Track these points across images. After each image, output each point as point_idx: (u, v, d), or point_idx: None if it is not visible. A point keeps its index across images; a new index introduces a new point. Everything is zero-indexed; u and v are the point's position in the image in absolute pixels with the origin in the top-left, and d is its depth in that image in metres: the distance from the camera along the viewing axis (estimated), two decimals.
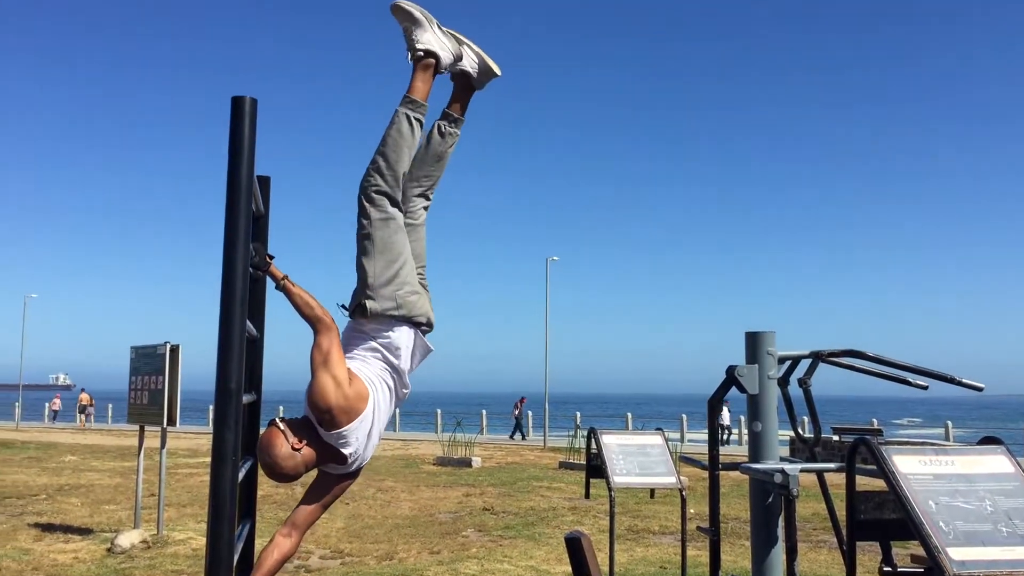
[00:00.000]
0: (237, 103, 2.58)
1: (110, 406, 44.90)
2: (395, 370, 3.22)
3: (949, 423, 29.12)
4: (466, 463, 20.41)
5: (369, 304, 3.16)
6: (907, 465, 3.33)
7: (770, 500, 4.08)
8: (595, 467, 6.74)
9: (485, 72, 3.46)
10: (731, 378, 4.17)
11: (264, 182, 3.61)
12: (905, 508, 3.15)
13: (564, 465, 20.17)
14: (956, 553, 2.99)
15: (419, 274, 3.34)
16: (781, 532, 4.17)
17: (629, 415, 35.41)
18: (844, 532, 3.87)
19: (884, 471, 3.31)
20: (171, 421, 9.81)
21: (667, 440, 6.87)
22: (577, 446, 21.73)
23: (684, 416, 32.24)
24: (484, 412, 36.82)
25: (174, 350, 9.91)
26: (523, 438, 33.70)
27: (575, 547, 4.84)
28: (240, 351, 2.50)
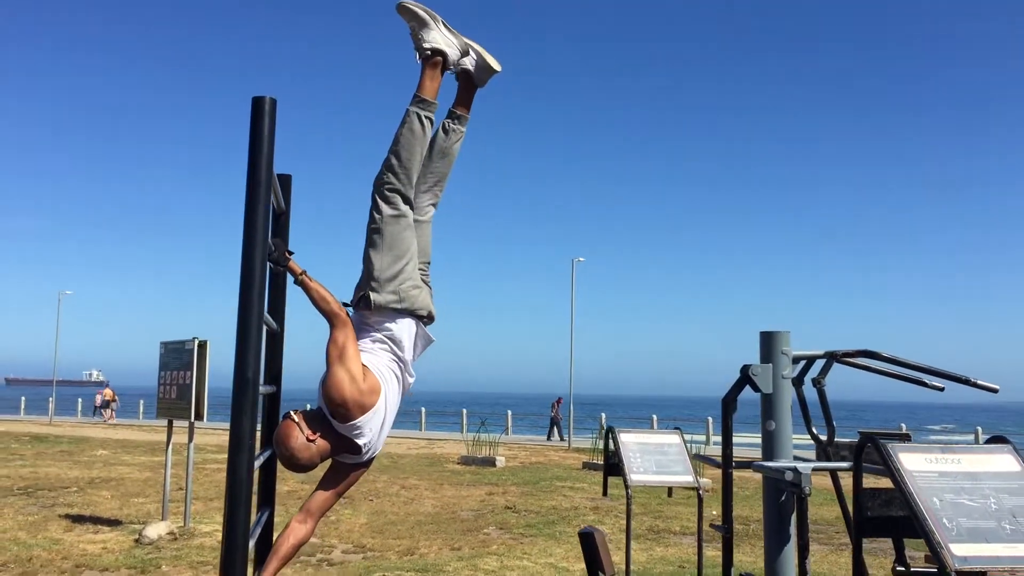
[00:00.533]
0: (257, 103, 2.69)
1: (142, 401, 45.47)
2: (401, 360, 3.33)
3: (979, 428, 28.81)
4: (490, 462, 20.49)
5: (373, 296, 3.27)
6: (913, 463, 3.39)
7: (783, 499, 4.14)
8: (613, 465, 6.80)
9: (485, 68, 3.55)
10: (745, 377, 4.22)
11: (285, 180, 3.72)
12: (910, 505, 3.21)
13: (588, 466, 20.21)
14: (959, 549, 3.04)
15: (422, 270, 3.44)
16: (794, 530, 4.23)
17: (654, 417, 35.33)
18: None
19: (890, 468, 3.37)
20: (198, 416, 9.99)
21: (685, 440, 6.92)
22: (601, 447, 21.76)
23: (710, 419, 32.12)
24: (509, 413, 36.89)
25: (202, 346, 10.09)
26: (549, 438, 33.61)
27: (588, 541, 4.93)
28: (257, 341, 2.60)
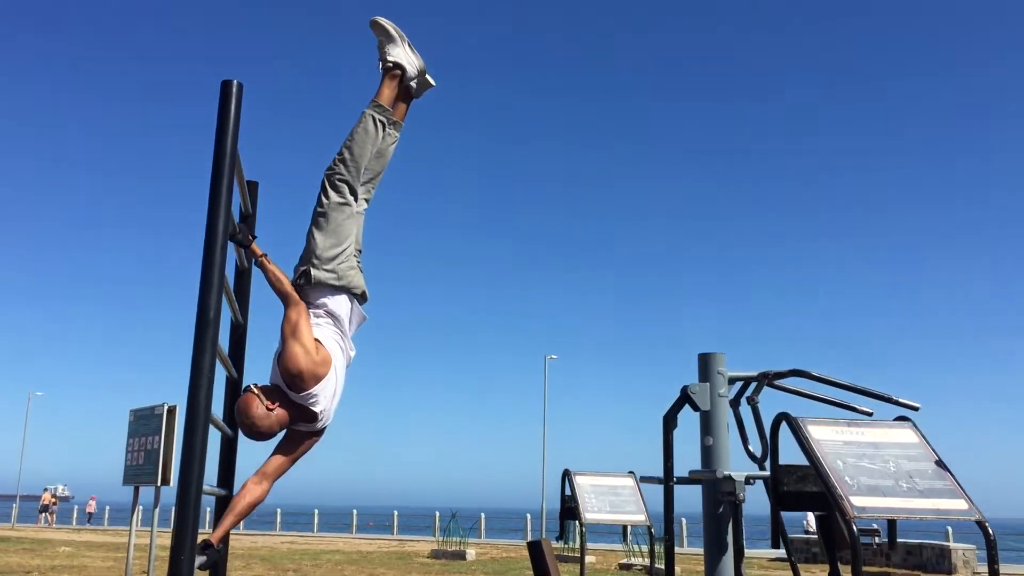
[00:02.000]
0: (225, 86, 3.09)
1: (108, 508, 44.67)
2: (341, 332, 3.65)
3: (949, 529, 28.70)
4: (460, 556, 20.31)
5: (314, 272, 3.61)
6: (821, 433, 3.75)
7: (720, 510, 4.46)
8: (570, 509, 7.02)
9: (424, 85, 3.99)
10: (685, 396, 4.56)
11: (252, 186, 4.10)
12: (815, 465, 3.56)
13: (561, 558, 20.06)
14: (858, 501, 3.39)
15: (355, 255, 3.78)
16: (731, 537, 4.51)
17: None
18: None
19: (799, 437, 3.73)
20: (165, 480, 10.04)
21: (638, 482, 7.16)
22: (571, 544, 21.60)
23: (683, 520, 31.89)
24: (483, 515, 36.44)
25: (171, 411, 10.22)
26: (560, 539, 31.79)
27: (536, 550, 5.13)
28: (219, 286, 2.92)
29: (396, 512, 37.63)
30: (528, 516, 35.31)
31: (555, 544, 30.29)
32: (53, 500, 44.60)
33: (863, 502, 3.39)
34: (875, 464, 3.59)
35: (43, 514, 43.62)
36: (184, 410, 2.89)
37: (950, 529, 24.01)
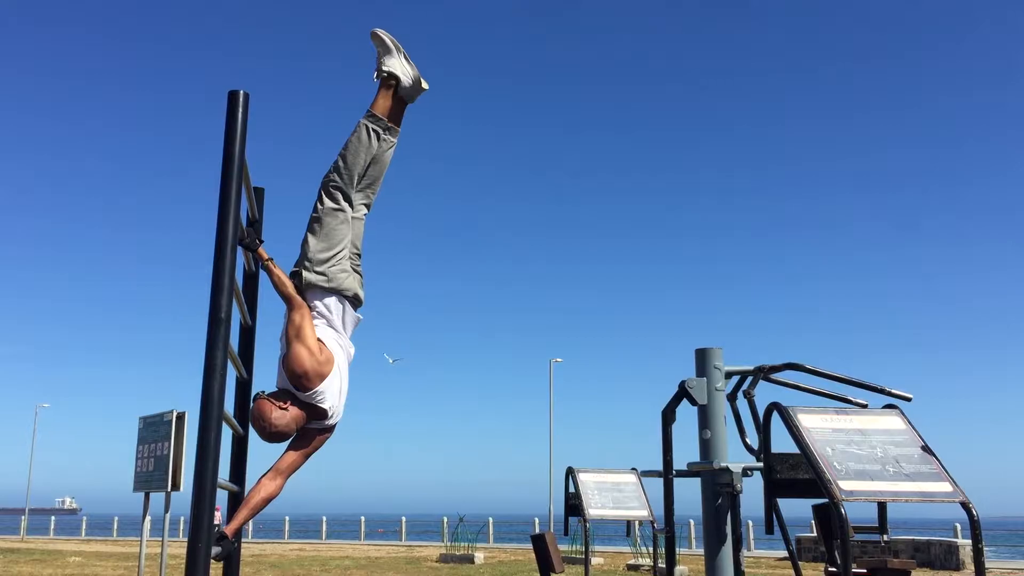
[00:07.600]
0: (232, 96, 3.23)
1: (116, 518, 44.79)
2: (338, 333, 3.79)
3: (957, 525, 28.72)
4: (468, 559, 20.41)
5: (305, 274, 3.77)
6: (810, 421, 3.89)
7: (719, 501, 4.59)
8: (574, 506, 7.14)
9: (417, 90, 4.08)
10: (683, 390, 4.68)
11: (259, 192, 4.24)
12: (805, 452, 3.69)
13: (568, 559, 20.15)
14: (846, 485, 3.53)
15: (352, 259, 3.92)
16: (730, 527, 4.64)
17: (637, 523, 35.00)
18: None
19: (789, 425, 3.86)
20: (175, 486, 10.17)
21: (640, 478, 7.28)
22: (578, 547, 21.70)
23: (691, 521, 31.94)
24: (491, 519, 36.51)
25: (180, 417, 10.35)
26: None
27: (539, 542, 5.26)
28: (229, 288, 3.06)
29: (404, 518, 37.73)
30: (536, 520, 35.38)
31: (561, 547, 30.34)
32: None
33: (851, 486, 3.52)
34: (863, 450, 3.72)
35: None
36: (193, 416, 3.02)
37: (958, 526, 24.05)
